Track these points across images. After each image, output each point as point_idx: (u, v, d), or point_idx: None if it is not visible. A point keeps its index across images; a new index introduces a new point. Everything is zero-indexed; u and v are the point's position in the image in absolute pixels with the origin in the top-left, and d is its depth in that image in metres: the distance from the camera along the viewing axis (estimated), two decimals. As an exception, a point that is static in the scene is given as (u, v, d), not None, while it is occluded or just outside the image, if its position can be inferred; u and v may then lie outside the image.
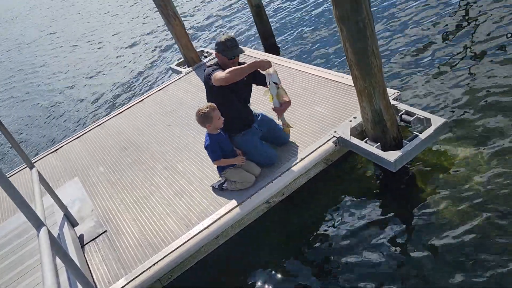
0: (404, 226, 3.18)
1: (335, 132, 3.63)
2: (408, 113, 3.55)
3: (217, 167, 3.59)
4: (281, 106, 3.44)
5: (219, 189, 3.58)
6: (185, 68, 6.63)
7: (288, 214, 3.67)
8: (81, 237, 3.71)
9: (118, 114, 5.98)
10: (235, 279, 3.33)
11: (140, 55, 10.69)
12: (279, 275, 3.22)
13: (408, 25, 5.93)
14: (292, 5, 8.97)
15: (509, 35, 4.66)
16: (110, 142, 5.26)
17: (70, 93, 10.48)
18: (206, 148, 3.44)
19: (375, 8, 6.74)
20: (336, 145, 3.57)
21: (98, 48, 13.29)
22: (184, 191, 3.77)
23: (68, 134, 8.08)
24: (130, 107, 6.04)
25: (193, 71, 6.32)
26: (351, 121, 3.69)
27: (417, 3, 6.37)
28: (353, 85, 3.38)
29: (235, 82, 3.23)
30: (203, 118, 3.26)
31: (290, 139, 3.82)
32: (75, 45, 15.04)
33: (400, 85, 4.70)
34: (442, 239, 2.93)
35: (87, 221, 3.91)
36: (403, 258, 2.94)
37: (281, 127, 3.70)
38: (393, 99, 3.72)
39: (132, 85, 9.05)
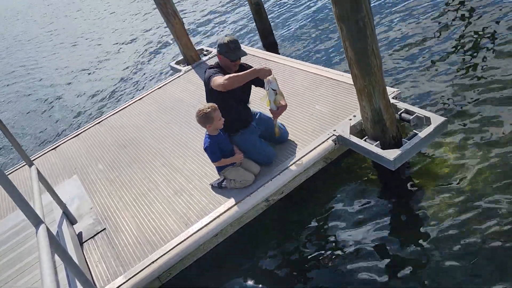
0: (403, 224, 3.18)
1: (334, 130, 3.63)
2: (407, 111, 3.55)
3: (216, 166, 3.58)
4: (278, 109, 3.46)
5: (218, 188, 3.58)
6: (185, 66, 6.62)
7: (287, 213, 3.67)
8: (80, 235, 3.71)
9: (117, 112, 5.98)
10: (234, 277, 3.33)
11: (140, 53, 10.67)
12: (278, 274, 3.22)
13: (408, 24, 5.93)
14: (292, 3, 8.97)
15: (509, 34, 4.66)
16: (109, 140, 5.26)
17: (70, 90, 10.46)
18: (205, 149, 3.43)
19: (374, 7, 6.74)
20: (335, 144, 3.57)
21: (98, 45, 13.27)
22: (183, 189, 3.77)
23: (67, 132, 8.07)
24: (129, 105, 6.04)
25: (193, 69, 6.31)
26: (350, 119, 3.69)
27: (417, 2, 6.37)
28: (352, 83, 3.38)
29: (236, 92, 3.27)
30: (204, 118, 3.25)
31: (289, 138, 3.82)
32: (75, 43, 15.02)
33: (400, 83, 4.70)
34: (441, 238, 2.93)
35: (86, 218, 3.91)
36: (402, 256, 2.94)
37: (280, 125, 3.73)
38: (393, 98, 3.72)
39: (131, 83, 9.04)
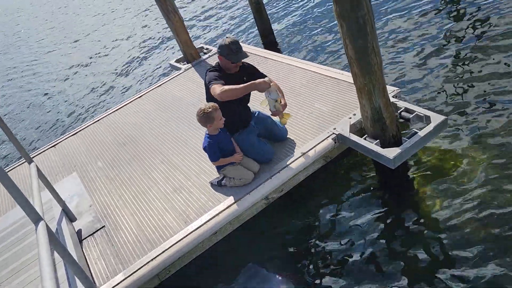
0: (402, 223, 3.18)
1: (334, 129, 3.63)
2: (407, 110, 3.54)
3: (216, 166, 3.58)
4: (276, 112, 3.47)
5: (217, 186, 3.58)
6: (185, 64, 6.62)
7: (287, 211, 3.67)
8: (79, 232, 3.71)
9: (117, 109, 5.97)
10: (233, 275, 3.34)
11: (140, 51, 10.66)
12: (277, 272, 3.22)
13: (408, 22, 5.93)
14: (292, 1, 8.95)
15: (510, 33, 4.66)
16: (109, 137, 5.25)
17: (70, 88, 10.45)
18: (204, 149, 3.43)
19: (375, 5, 6.73)
20: (335, 142, 3.57)
21: (98, 42, 13.25)
22: (183, 187, 3.77)
23: (67, 129, 8.07)
24: (129, 103, 6.03)
25: (193, 68, 6.30)
26: (350, 118, 3.69)
27: (417, 0, 6.37)
28: (352, 82, 3.37)
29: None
30: (204, 118, 3.24)
31: (288, 136, 3.82)
32: (76, 39, 15.00)
33: (400, 82, 4.70)
34: (439, 237, 2.94)
35: (85, 216, 3.91)
36: (401, 254, 2.95)
37: (279, 124, 3.73)
38: (393, 97, 3.71)
39: (131, 81, 9.03)
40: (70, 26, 17.67)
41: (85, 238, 3.63)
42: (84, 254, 3.45)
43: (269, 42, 7.21)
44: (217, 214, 3.29)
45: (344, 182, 3.74)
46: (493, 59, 4.38)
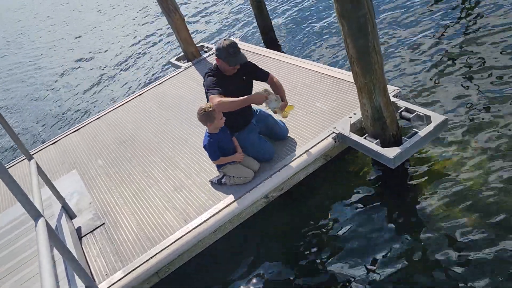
0: (402, 222, 3.18)
1: (334, 128, 3.63)
2: (408, 110, 3.54)
3: (216, 164, 3.58)
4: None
5: (217, 184, 3.57)
6: (185, 62, 6.61)
7: (287, 209, 3.68)
8: (79, 229, 3.71)
9: (117, 107, 5.97)
10: (232, 273, 3.34)
11: (140, 49, 10.65)
12: (276, 270, 3.22)
13: (409, 21, 5.92)
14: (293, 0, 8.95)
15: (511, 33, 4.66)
16: (109, 135, 5.25)
17: (70, 85, 10.44)
18: (204, 147, 3.43)
19: (375, 4, 6.72)
20: (335, 141, 3.57)
21: (99, 39, 13.24)
22: (183, 185, 3.77)
23: (66, 127, 8.06)
24: (129, 101, 6.03)
25: (193, 66, 6.30)
26: (350, 117, 3.69)
27: None
28: (353, 81, 3.37)
29: (235, 92, 3.26)
30: (205, 116, 3.24)
31: (289, 135, 3.82)
32: (78, 36, 14.98)
33: (401, 82, 4.69)
34: (438, 236, 2.94)
35: (85, 213, 3.91)
36: (401, 254, 2.95)
37: (280, 122, 3.73)
38: (393, 96, 3.71)
39: (131, 79, 9.02)
40: (72, 23, 17.64)
41: (84, 236, 3.63)
42: (83, 251, 3.45)
43: (270, 40, 7.20)
44: (217, 213, 3.29)
45: (344, 181, 3.74)
46: (496, 59, 4.37)
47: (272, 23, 7.19)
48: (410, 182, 3.48)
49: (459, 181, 3.26)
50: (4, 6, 33.78)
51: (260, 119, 3.75)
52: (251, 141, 3.59)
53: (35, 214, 2.13)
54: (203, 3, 11.96)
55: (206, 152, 3.47)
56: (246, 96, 3.23)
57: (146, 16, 13.48)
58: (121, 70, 9.82)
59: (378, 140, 3.37)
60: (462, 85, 4.22)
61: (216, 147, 3.38)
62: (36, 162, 3.39)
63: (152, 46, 10.50)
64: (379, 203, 3.40)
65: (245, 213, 3.33)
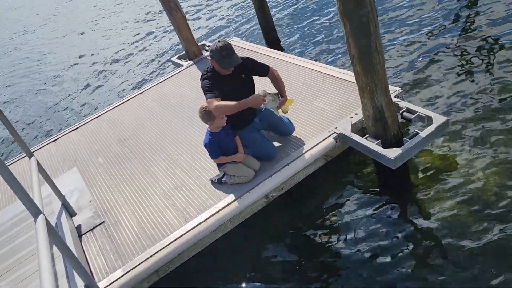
0: (402, 223, 3.18)
1: (335, 128, 3.62)
2: (409, 110, 3.53)
3: (216, 163, 3.57)
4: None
5: (218, 183, 3.57)
6: (186, 61, 6.60)
7: (287, 209, 3.67)
8: (78, 227, 3.71)
9: (117, 105, 5.96)
10: (232, 273, 3.33)
11: (141, 48, 10.64)
12: (276, 270, 3.22)
13: (412, 21, 5.91)
14: None
15: (512, 35, 4.65)
16: (110, 133, 5.25)
17: (71, 83, 10.44)
18: (205, 145, 3.43)
19: (378, 4, 6.71)
20: (336, 141, 3.56)
21: (102, 37, 13.24)
22: (183, 184, 3.76)
23: (66, 125, 8.06)
24: (130, 99, 6.02)
25: (194, 65, 6.29)
26: (352, 117, 3.68)
27: None
28: (354, 81, 3.36)
29: (232, 93, 3.24)
30: (206, 115, 3.24)
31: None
32: (81, 33, 14.98)
33: (402, 82, 4.69)
34: (441, 237, 2.93)
35: (85, 211, 3.91)
36: (400, 255, 2.94)
37: (284, 118, 3.72)
38: (395, 97, 3.70)
39: (132, 77, 9.02)
40: (74, 21, 17.64)
41: (84, 234, 3.63)
42: (83, 249, 3.45)
43: (271, 39, 7.19)
44: (217, 212, 3.28)
45: (345, 181, 3.73)
46: (499, 60, 4.36)
47: (274, 23, 7.18)
48: (411, 183, 3.47)
49: (460, 182, 3.25)
50: (4, 6, 33.82)
51: (263, 117, 3.72)
52: (253, 140, 3.58)
53: (35, 211, 2.12)
54: (205, 3, 11.95)
55: (206, 150, 3.47)
56: (243, 100, 3.20)
57: (148, 13, 13.47)
58: (122, 68, 9.81)
59: (379, 140, 3.37)
60: (464, 86, 4.21)
61: (217, 146, 3.38)
62: (37, 159, 3.38)
63: (154, 44, 10.49)
64: (379, 203, 3.39)
65: (245, 212, 3.33)
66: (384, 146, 3.32)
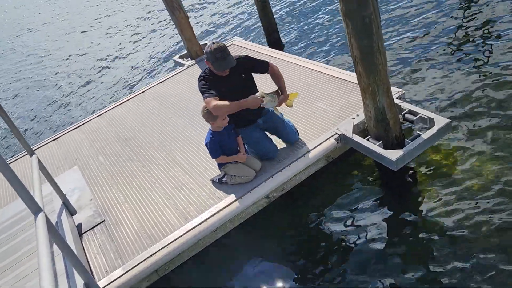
0: (403, 225, 3.17)
1: (337, 129, 3.61)
2: (411, 112, 3.52)
3: (217, 162, 3.57)
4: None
5: (218, 183, 3.56)
6: (188, 61, 6.60)
7: (287, 210, 3.66)
8: (79, 226, 3.70)
9: (119, 104, 5.97)
10: (232, 273, 3.33)
11: (144, 46, 10.66)
12: (276, 270, 3.21)
13: (414, 21, 5.90)
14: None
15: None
16: (111, 132, 5.25)
17: (72, 82, 10.45)
18: (206, 144, 3.42)
19: (381, 4, 6.70)
20: (337, 142, 3.55)
21: (105, 35, 13.25)
22: (184, 184, 3.76)
23: (68, 123, 8.07)
24: (131, 98, 6.03)
25: (196, 64, 6.29)
26: (353, 118, 3.67)
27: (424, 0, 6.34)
28: (356, 82, 3.36)
29: (229, 94, 3.22)
30: (208, 114, 3.24)
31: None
32: (84, 31, 15.00)
33: (404, 84, 4.67)
34: (442, 239, 2.92)
35: (85, 210, 3.90)
36: (401, 256, 2.93)
37: (291, 128, 3.66)
38: (397, 98, 3.69)
39: (134, 76, 9.03)
40: (77, 19, 17.67)
41: (85, 232, 3.62)
42: (83, 248, 3.45)
43: (273, 40, 7.19)
44: (218, 212, 3.28)
45: (346, 182, 3.73)
46: (501, 62, 4.34)
47: (276, 23, 7.18)
48: (412, 184, 3.47)
49: (462, 183, 3.24)
50: (7, 5, 33.92)
51: (268, 120, 3.65)
52: (255, 139, 3.57)
53: (35, 209, 2.12)
54: (208, 3, 11.95)
55: (207, 149, 3.46)
56: (241, 100, 3.17)
57: (150, 12, 13.48)
58: (124, 67, 9.82)
59: (380, 142, 3.36)
60: (467, 89, 4.20)
61: (218, 146, 3.37)
62: (38, 157, 3.38)
63: (156, 43, 10.50)
64: (380, 204, 3.38)
65: (246, 212, 3.32)
66: (386, 147, 3.32)
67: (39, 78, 12.08)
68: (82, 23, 16.48)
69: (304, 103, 4.22)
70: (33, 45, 16.57)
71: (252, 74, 3.53)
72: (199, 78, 3.36)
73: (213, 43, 3.20)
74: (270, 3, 6.97)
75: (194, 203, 3.48)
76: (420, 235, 3.02)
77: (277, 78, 3.48)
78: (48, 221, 2.14)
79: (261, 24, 7.24)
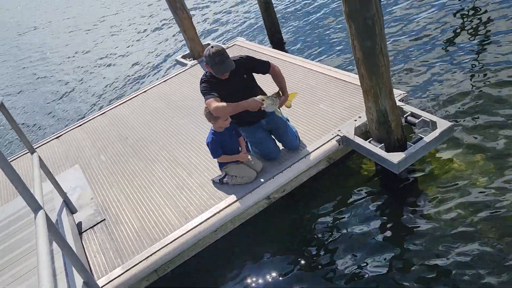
0: (404, 228, 3.15)
1: (339, 130, 3.60)
2: (413, 115, 3.51)
3: (218, 162, 3.56)
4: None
5: (219, 183, 3.56)
6: (191, 60, 6.60)
7: (288, 211, 3.65)
8: (79, 225, 3.70)
9: (121, 103, 5.97)
10: (232, 274, 3.31)
11: (147, 46, 10.68)
12: (276, 272, 3.20)
13: (417, 23, 5.88)
14: (301, 0, 8.92)
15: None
16: (112, 131, 5.25)
17: (75, 81, 10.47)
18: (207, 144, 3.42)
19: (383, 5, 6.69)
20: (339, 144, 3.54)
21: (108, 34, 13.28)
22: (185, 184, 3.75)
23: (70, 122, 8.08)
24: (133, 97, 6.03)
25: (198, 64, 6.29)
26: (355, 120, 3.66)
27: (427, 2, 6.32)
28: (359, 84, 3.35)
29: (230, 96, 3.21)
30: (209, 115, 3.25)
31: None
32: (88, 30, 15.04)
33: (407, 86, 4.66)
34: (443, 242, 2.91)
35: (86, 208, 3.90)
36: (401, 259, 2.92)
37: (293, 135, 3.63)
38: (400, 100, 3.68)
39: (137, 75, 9.04)
40: (81, 18, 17.72)
41: (85, 231, 3.62)
42: (83, 246, 3.44)
43: (276, 41, 7.19)
44: (218, 212, 3.27)
45: (347, 184, 3.71)
46: (506, 65, 4.32)
47: (280, 24, 7.18)
48: (413, 188, 3.45)
49: (463, 187, 3.23)
50: (4, 6, 34.07)
51: (271, 120, 3.60)
52: (258, 139, 3.56)
53: (35, 206, 2.12)
54: (211, 3, 11.96)
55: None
56: (241, 101, 3.17)
57: (153, 12, 13.50)
58: (126, 66, 9.83)
59: (382, 144, 3.34)
60: (470, 92, 4.18)
61: (219, 146, 3.37)
62: (39, 155, 3.38)
63: (159, 43, 10.51)
64: (381, 207, 3.37)
65: (246, 213, 3.31)
66: (388, 150, 3.30)
67: (43, 74, 12.11)
68: (86, 23, 16.52)
69: (306, 104, 4.21)
70: (38, 43, 16.62)
71: (254, 76, 3.52)
72: (200, 81, 3.36)
73: (212, 46, 3.18)
74: (274, 4, 6.97)
75: (195, 203, 3.48)
76: (422, 238, 3.00)
77: (278, 78, 3.47)
78: (48, 219, 2.13)
79: (264, 25, 7.25)
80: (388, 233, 3.14)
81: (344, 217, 3.40)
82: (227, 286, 3.25)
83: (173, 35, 10.56)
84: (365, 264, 2.98)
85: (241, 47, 6.22)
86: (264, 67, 3.44)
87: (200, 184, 3.67)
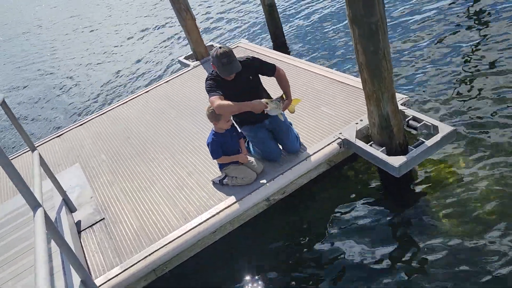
0: (405, 230, 3.14)
1: (340, 133, 3.60)
2: (415, 119, 3.51)
3: (218, 163, 3.56)
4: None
5: (219, 184, 3.55)
6: (193, 61, 6.61)
7: (288, 213, 3.64)
8: (78, 223, 3.70)
9: (123, 103, 5.97)
10: (230, 275, 3.30)
11: (150, 47, 10.69)
12: (275, 274, 3.19)
13: (420, 28, 5.88)
14: (305, 4, 8.93)
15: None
16: (113, 131, 5.25)
17: (78, 80, 10.49)
18: (208, 144, 3.42)
19: (387, 11, 6.69)
20: (340, 147, 3.53)
21: (111, 33, 13.31)
22: (185, 184, 3.75)
23: (71, 121, 8.09)
24: (135, 97, 6.03)
25: (201, 65, 6.29)
26: (357, 123, 3.65)
27: (430, 7, 6.32)
28: (361, 87, 3.34)
29: (234, 96, 3.20)
30: (212, 114, 3.25)
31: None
32: (92, 30, 15.08)
33: (409, 90, 4.65)
34: (443, 246, 2.89)
35: (85, 207, 3.90)
36: (401, 262, 2.91)
37: (294, 138, 3.60)
38: (402, 104, 3.67)
39: (139, 75, 9.05)
40: (84, 18, 17.78)
41: (84, 230, 3.61)
42: (82, 245, 3.44)
43: (280, 44, 7.20)
44: (218, 213, 3.26)
45: (348, 187, 3.70)
46: (507, 70, 4.31)
47: (283, 28, 7.19)
48: (413, 192, 3.44)
49: (463, 193, 3.22)
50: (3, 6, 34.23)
51: (273, 121, 3.58)
52: (260, 138, 3.55)
53: (34, 204, 2.11)
54: (216, 5, 11.99)
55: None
56: (246, 102, 3.16)
57: (158, 14, 13.53)
58: (129, 66, 9.85)
59: (384, 148, 3.33)
60: (473, 97, 4.17)
61: (219, 146, 3.37)
62: (39, 153, 3.38)
63: (162, 44, 10.52)
64: (382, 210, 3.36)
65: (246, 214, 3.30)
66: (389, 153, 3.29)
67: (46, 72, 12.13)
68: (90, 22, 16.56)
69: (308, 107, 4.20)
70: (42, 42, 16.66)
71: (259, 77, 3.52)
72: (206, 78, 3.37)
73: (220, 47, 3.19)
74: (278, 7, 6.98)
75: (194, 204, 3.47)
76: (422, 242, 2.99)
77: (282, 81, 3.47)
78: (46, 216, 2.13)
79: (267, 28, 7.26)
80: (388, 236, 3.13)
81: (344, 220, 3.39)
82: (225, 287, 3.24)
83: (176, 36, 10.58)
84: (365, 266, 2.97)
85: (244, 49, 6.22)
86: (270, 69, 3.44)
87: (200, 185, 3.66)
